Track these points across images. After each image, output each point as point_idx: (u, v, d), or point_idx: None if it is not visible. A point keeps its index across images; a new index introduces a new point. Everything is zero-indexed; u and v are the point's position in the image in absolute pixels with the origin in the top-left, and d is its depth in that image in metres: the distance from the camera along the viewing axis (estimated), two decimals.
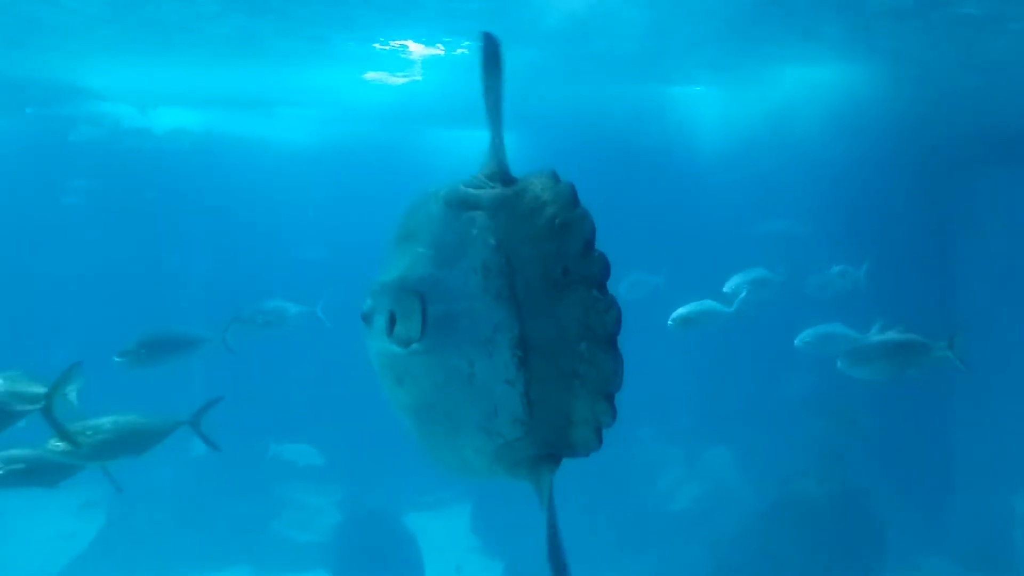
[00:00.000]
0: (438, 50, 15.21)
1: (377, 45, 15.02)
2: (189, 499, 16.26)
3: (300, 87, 18.53)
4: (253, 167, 22.95)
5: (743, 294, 12.09)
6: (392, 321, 2.85)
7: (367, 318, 2.98)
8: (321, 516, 15.65)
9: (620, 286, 14.75)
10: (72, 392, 6.92)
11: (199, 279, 21.11)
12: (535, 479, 2.85)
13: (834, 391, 14.83)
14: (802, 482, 14.63)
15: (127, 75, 17.35)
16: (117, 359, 9.74)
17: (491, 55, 2.95)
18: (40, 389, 6.48)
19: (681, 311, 11.39)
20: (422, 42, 14.82)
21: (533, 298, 2.69)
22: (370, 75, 17.50)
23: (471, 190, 2.83)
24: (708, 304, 11.69)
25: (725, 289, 12.41)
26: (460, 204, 2.82)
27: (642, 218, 18.00)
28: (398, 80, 17.78)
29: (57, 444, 6.72)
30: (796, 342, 11.58)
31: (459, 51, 15.02)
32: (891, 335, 9.82)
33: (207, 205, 21.69)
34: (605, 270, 2.74)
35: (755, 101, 16.96)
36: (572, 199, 2.79)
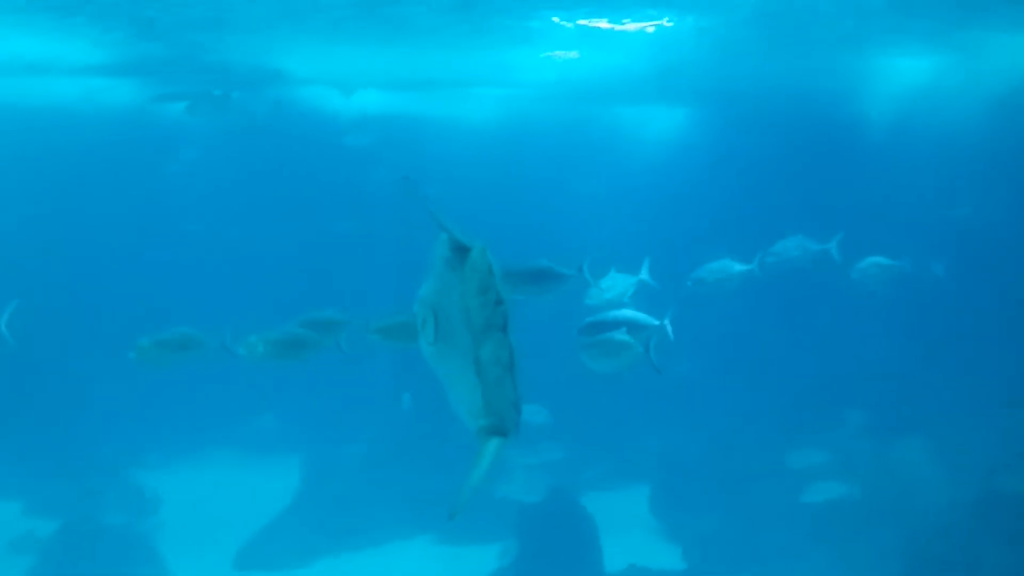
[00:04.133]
0: (627, 26, 15.03)
1: (561, 21, 14.95)
2: (385, 465, 16.83)
3: (486, 66, 18.66)
4: (443, 148, 23.20)
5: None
6: (423, 325, 4.23)
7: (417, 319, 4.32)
8: (529, 477, 15.81)
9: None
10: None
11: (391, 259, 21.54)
12: (489, 445, 4.12)
13: None
14: (1009, 477, 13.72)
15: (328, 58, 17.86)
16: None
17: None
18: None
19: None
20: (605, 18, 14.66)
21: (479, 332, 4.02)
22: (557, 53, 17.47)
23: (454, 253, 4.13)
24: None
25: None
26: (448, 262, 4.13)
27: (841, 197, 17.35)
28: (575, 56, 17.63)
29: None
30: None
31: (650, 27, 14.75)
32: (615, 335, 10.05)
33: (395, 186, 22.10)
34: (507, 320, 4.05)
35: (972, 74, 15.96)
36: (490, 271, 4.05)
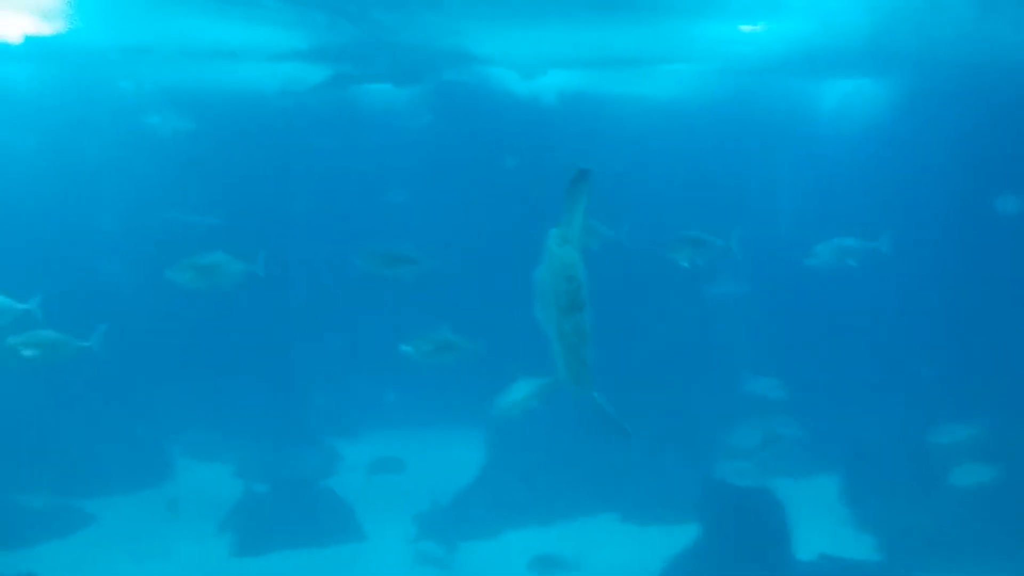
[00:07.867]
0: None
1: None
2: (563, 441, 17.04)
3: (676, 42, 18.39)
4: (630, 127, 23.01)
5: None
6: (536, 298, 5.59)
7: None
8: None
9: None
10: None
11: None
12: (576, 392, 5.66)
13: None
14: None
15: (509, 39, 17.98)
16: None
17: (581, 182, 5.49)
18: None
19: None
20: None
21: (564, 309, 5.40)
22: (746, 27, 17.07)
23: (553, 246, 5.44)
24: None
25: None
26: (549, 252, 5.39)
27: None
28: (759, 29, 17.14)
29: None
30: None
31: None
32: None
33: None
34: (585, 303, 5.41)
35: None
36: (575, 264, 5.41)
